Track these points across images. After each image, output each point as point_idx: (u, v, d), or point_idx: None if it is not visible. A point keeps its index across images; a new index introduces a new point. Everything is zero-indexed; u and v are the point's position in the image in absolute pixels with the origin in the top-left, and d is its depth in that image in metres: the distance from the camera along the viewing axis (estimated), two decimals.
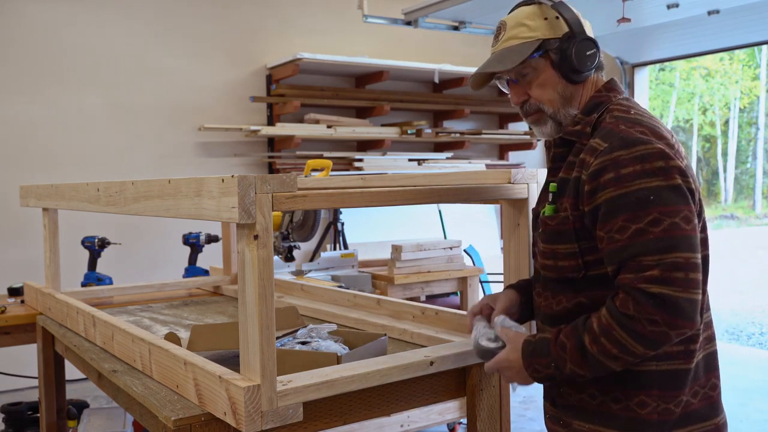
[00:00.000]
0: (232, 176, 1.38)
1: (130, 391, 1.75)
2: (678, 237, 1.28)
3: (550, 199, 1.50)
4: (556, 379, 1.43)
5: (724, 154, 23.73)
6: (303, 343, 1.85)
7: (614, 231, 1.32)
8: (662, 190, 1.30)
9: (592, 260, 1.42)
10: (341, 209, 5.27)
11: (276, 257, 3.51)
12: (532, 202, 1.85)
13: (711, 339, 1.48)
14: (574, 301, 1.46)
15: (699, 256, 1.30)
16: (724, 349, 6.58)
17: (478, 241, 6.00)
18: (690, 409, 1.41)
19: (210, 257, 4.07)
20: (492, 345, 1.54)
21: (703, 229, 1.42)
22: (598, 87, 1.52)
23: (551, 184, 1.50)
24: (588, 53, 1.47)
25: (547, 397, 1.59)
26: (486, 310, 1.69)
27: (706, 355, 1.45)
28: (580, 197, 1.40)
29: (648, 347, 1.30)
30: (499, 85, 1.60)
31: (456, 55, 6.64)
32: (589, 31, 1.52)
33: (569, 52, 1.46)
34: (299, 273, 4.19)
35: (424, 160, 6.20)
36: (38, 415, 3.23)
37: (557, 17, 1.49)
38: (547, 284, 1.53)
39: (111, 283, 3.53)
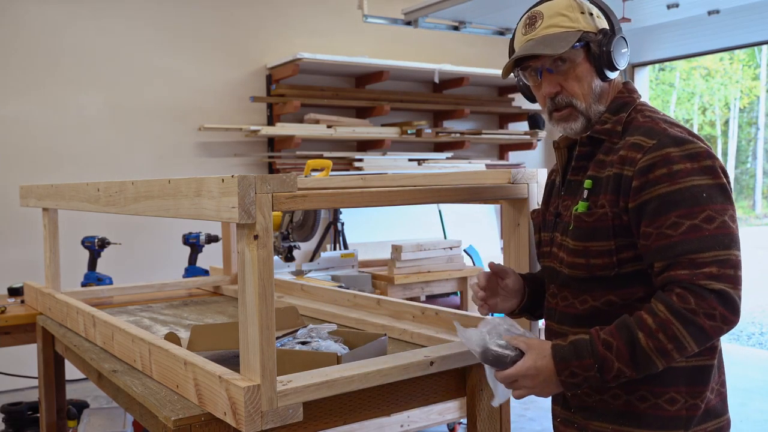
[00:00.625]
0: (232, 176, 1.38)
1: (130, 391, 1.75)
2: (729, 235, 1.30)
3: (584, 196, 1.46)
4: (587, 385, 1.37)
5: (724, 154, 23.72)
6: (303, 343, 1.85)
7: (666, 227, 1.32)
8: (712, 189, 1.32)
9: (626, 258, 1.40)
10: (341, 209, 5.27)
11: (276, 257, 3.51)
12: (532, 202, 1.85)
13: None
14: (603, 300, 1.43)
15: (740, 254, 1.33)
16: (724, 349, 6.56)
17: (478, 241, 6.00)
18: (710, 405, 1.42)
19: (210, 257, 4.07)
20: (508, 352, 1.41)
21: None
22: (620, 88, 1.53)
23: (587, 181, 1.47)
24: (623, 51, 1.47)
25: (557, 399, 1.57)
26: (492, 284, 1.64)
27: (718, 353, 1.47)
28: (622, 193, 1.38)
29: (699, 343, 1.30)
30: (523, 77, 1.56)
31: (456, 55, 6.64)
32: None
33: (609, 47, 1.45)
34: (299, 273, 4.19)
35: (424, 160, 6.20)
36: (38, 415, 3.23)
37: (591, 13, 1.48)
38: (567, 284, 1.50)
39: (111, 283, 3.53)
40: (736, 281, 1.29)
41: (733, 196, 1.41)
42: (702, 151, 1.34)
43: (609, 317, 1.39)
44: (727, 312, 1.28)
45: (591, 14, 1.48)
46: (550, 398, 1.57)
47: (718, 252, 1.28)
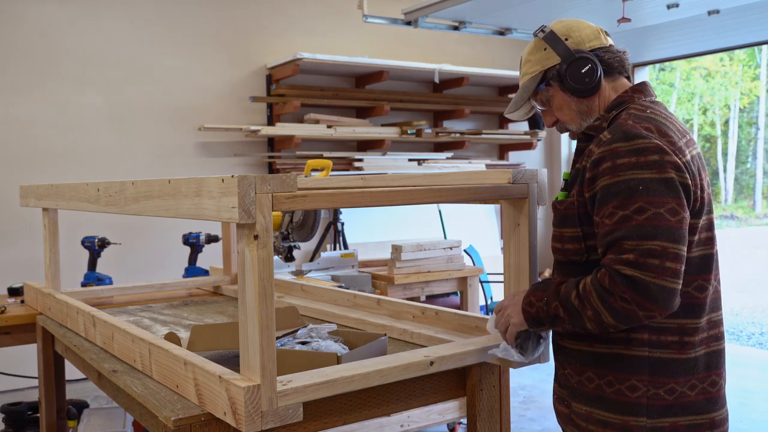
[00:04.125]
0: (232, 176, 1.38)
1: (130, 391, 1.75)
2: (660, 227, 1.35)
3: (562, 186, 1.60)
4: (539, 316, 1.53)
5: (724, 154, 23.71)
6: (303, 343, 1.85)
7: (605, 216, 1.41)
8: (652, 182, 1.37)
9: (594, 245, 1.49)
10: (341, 209, 5.27)
11: (276, 257, 3.51)
12: (533, 202, 1.86)
13: (718, 338, 1.53)
14: None
15: (681, 247, 1.36)
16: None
17: (478, 241, 6.00)
18: (685, 400, 1.46)
19: (210, 257, 4.07)
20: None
21: (709, 227, 1.50)
22: (624, 90, 1.60)
23: (565, 172, 1.61)
24: (583, 71, 1.57)
25: (555, 378, 1.67)
26: None
27: (709, 353, 1.50)
28: (584, 184, 1.48)
29: (617, 320, 1.39)
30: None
31: (456, 55, 6.64)
32: (594, 42, 1.60)
33: (565, 75, 1.58)
34: (299, 273, 4.19)
35: (424, 160, 6.20)
36: (38, 415, 3.23)
37: (545, 49, 1.61)
38: (558, 267, 1.62)
39: (111, 283, 3.53)
40: (660, 271, 1.33)
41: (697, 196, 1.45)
42: (650, 146, 1.40)
43: None
44: (641, 299, 1.34)
45: (545, 49, 1.61)
46: (551, 392, 1.64)
47: (641, 241, 1.35)
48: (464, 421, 3.64)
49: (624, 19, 4.62)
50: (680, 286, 1.36)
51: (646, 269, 1.33)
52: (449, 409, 3.15)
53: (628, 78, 1.64)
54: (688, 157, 1.44)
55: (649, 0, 4.79)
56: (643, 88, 1.60)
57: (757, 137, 23.41)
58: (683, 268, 1.36)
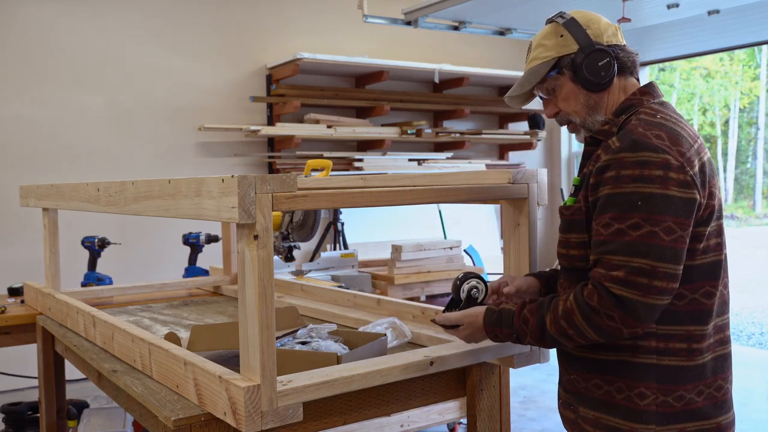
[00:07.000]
0: (232, 176, 1.38)
1: (130, 391, 1.75)
2: (652, 245, 1.35)
3: (572, 192, 1.58)
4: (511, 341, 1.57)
5: (724, 154, 23.71)
6: (303, 343, 1.85)
7: (601, 225, 1.40)
8: (653, 197, 1.35)
9: None
10: (341, 209, 5.27)
11: (276, 257, 3.51)
12: (533, 202, 1.86)
13: (724, 342, 1.53)
14: None
15: (672, 266, 1.36)
16: None
17: (478, 241, 6.00)
18: (693, 407, 1.45)
19: (210, 257, 4.07)
20: (479, 295, 1.71)
21: (719, 233, 1.48)
22: (632, 90, 1.57)
23: (575, 177, 1.59)
24: (600, 63, 1.52)
25: (560, 383, 1.66)
26: (503, 287, 1.75)
27: (716, 357, 1.50)
28: (588, 189, 1.47)
29: (601, 337, 1.41)
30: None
31: (456, 55, 6.64)
32: (612, 38, 1.56)
33: (581, 66, 1.53)
34: (299, 273, 4.20)
35: (424, 160, 6.20)
36: (38, 415, 3.23)
37: (562, 35, 1.56)
38: (563, 273, 1.60)
39: (111, 283, 3.53)
40: (647, 290, 1.34)
41: (718, 204, 1.44)
42: (656, 161, 1.37)
43: None
44: (627, 317, 1.36)
45: (561, 36, 1.57)
46: (551, 393, 1.64)
47: (631, 258, 1.35)
48: (464, 421, 3.64)
49: (624, 19, 4.62)
50: (667, 300, 1.37)
51: (634, 287, 1.34)
52: (449, 409, 3.15)
53: (638, 80, 1.61)
54: (697, 167, 1.41)
55: (649, 0, 4.79)
56: (650, 90, 1.56)
57: (757, 137, 23.40)
58: (674, 284, 1.37)
